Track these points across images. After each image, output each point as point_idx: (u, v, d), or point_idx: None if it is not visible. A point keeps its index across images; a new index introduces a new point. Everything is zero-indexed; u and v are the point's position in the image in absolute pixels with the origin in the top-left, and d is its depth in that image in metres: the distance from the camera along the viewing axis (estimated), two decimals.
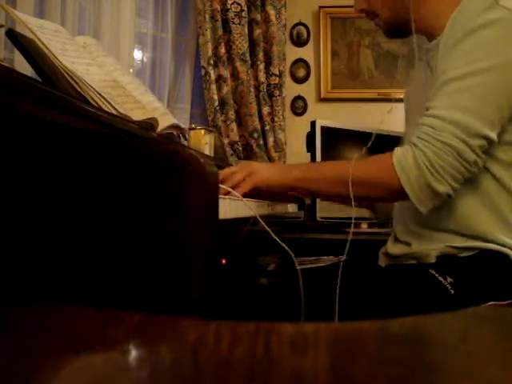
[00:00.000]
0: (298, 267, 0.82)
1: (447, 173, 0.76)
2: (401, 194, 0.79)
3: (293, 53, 2.39)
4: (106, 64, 1.03)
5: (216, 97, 2.11)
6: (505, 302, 0.76)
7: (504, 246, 0.80)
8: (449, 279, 0.79)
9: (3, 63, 0.59)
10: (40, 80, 0.77)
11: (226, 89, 2.12)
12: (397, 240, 0.97)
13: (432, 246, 0.86)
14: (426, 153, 0.76)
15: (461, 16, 0.81)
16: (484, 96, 0.76)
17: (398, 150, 0.80)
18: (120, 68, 1.07)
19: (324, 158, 1.77)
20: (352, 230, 0.88)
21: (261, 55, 2.18)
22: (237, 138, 2.14)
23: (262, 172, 0.89)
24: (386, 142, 0.99)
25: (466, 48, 0.78)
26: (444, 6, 0.88)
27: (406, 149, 0.79)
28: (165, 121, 1.06)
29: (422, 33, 0.96)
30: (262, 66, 2.18)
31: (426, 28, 0.93)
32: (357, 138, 1.87)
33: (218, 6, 2.11)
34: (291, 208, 1.76)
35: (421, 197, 0.77)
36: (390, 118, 1.11)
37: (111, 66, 1.04)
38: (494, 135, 0.76)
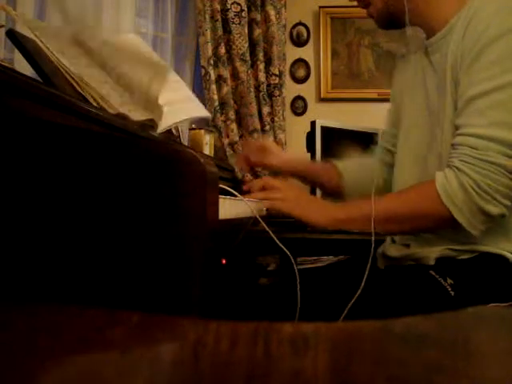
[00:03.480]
0: (296, 268, 0.82)
1: (498, 192, 0.73)
2: (451, 223, 0.76)
3: (293, 53, 2.39)
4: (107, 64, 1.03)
5: (216, 97, 2.11)
6: (505, 304, 0.76)
7: (503, 248, 0.80)
8: (449, 281, 0.79)
9: (3, 63, 0.59)
10: (40, 80, 0.77)
11: (225, 89, 2.12)
12: (394, 242, 0.96)
13: (431, 248, 0.85)
14: (472, 175, 0.73)
15: (477, 20, 0.77)
16: None
17: (439, 176, 0.77)
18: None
19: (324, 158, 1.77)
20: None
21: (261, 55, 2.18)
22: (237, 138, 2.14)
23: (303, 208, 0.87)
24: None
25: (492, 57, 0.75)
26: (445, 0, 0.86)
27: (447, 173, 0.76)
28: (170, 119, 1.06)
29: (419, 25, 0.92)
30: (262, 66, 2.18)
31: (423, 21, 0.89)
32: (357, 138, 1.88)
33: (217, 6, 2.11)
34: None
35: (473, 222, 0.75)
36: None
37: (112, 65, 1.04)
38: None
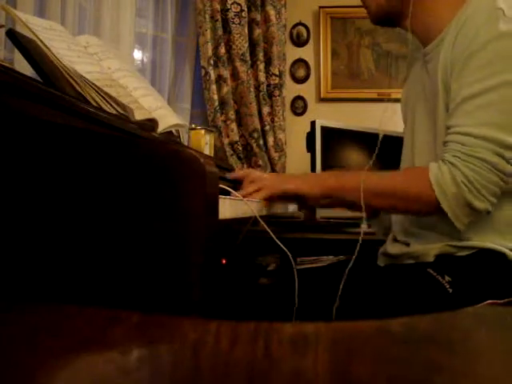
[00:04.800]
0: (295, 269, 0.82)
1: (486, 189, 0.75)
2: (437, 210, 0.78)
3: (293, 53, 2.39)
4: (108, 64, 1.04)
5: (216, 97, 2.11)
6: (502, 301, 0.76)
7: (502, 245, 0.81)
8: (447, 278, 0.79)
9: (3, 63, 0.59)
10: (40, 80, 0.77)
11: (225, 89, 2.12)
12: (396, 240, 0.97)
13: (430, 246, 0.86)
14: (463, 170, 0.75)
15: (467, 28, 0.79)
16: (510, 109, 0.76)
17: (433, 167, 0.79)
18: (122, 68, 1.07)
19: (324, 157, 1.77)
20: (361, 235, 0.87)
21: (261, 55, 2.18)
22: (237, 138, 2.14)
23: (293, 180, 0.90)
24: (389, 143, 1.00)
25: (481, 61, 0.77)
26: (443, 8, 0.87)
27: (441, 165, 0.78)
28: (165, 122, 1.06)
29: (415, 32, 0.94)
30: (262, 66, 2.18)
31: (421, 28, 0.91)
32: (357, 138, 1.88)
33: (218, 6, 2.11)
34: (291, 208, 1.75)
35: (459, 214, 0.77)
36: (392, 119, 1.10)
37: (113, 66, 1.04)
38: None
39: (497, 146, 0.75)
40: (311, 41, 2.40)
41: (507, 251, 0.80)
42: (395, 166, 1.12)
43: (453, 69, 0.81)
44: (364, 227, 0.89)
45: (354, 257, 0.84)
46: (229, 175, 0.96)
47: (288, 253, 0.80)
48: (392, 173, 0.89)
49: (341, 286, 0.82)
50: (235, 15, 2.13)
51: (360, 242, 0.85)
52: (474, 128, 0.76)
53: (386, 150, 0.97)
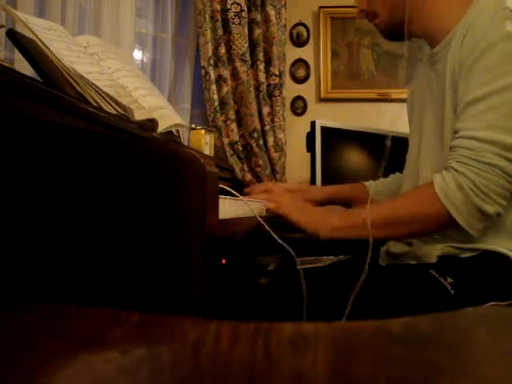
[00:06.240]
0: (300, 267, 0.82)
1: (494, 192, 0.74)
2: (451, 223, 0.77)
3: (293, 53, 2.39)
4: (108, 64, 1.04)
5: (216, 97, 2.10)
6: (505, 303, 0.76)
7: (505, 247, 0.80)
8: (449, 279, 0.79)
9: (3, 63, 0.59)
10: (40, 80, 0.77)
11: (225, 89, 2.12)
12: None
13: (433, 246, 0.85)
14: (469, 176, 0.74)
15: (475, 28, 0.78)
16: None
17: (437, 178, 0.78)
18: (122, 68, 1.07)
19: (324, 158, 1.77)
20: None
21: (261, 55, 2.17)
22: (237, 138, 2.14)
23: (300, 213, 0.89)
24: (392, 144, 1.00)
25: (488, 63, 0.76)
26: (446, 9, 0.87)
27: (445, 174, 0.77)
28: (166, 122, 1.06)
29: (421, 36, 0.94)
30: (262, 66, 2.18)
31: (426, 31, 0.91)
32: (357, 138, 1.88)
33: (218, 6, 2.11)
34: None
35: (471, 221, 0.76)
36: (395, 119, 1.10)
37: (113, 66, 1.04)
38: None
39: (503, 150, 0.74)
40: (311, 41, 2.40)
41: (511, 253, 0.79)
42: (398, 167, 1.12)
43: (461, 69, 0.80)
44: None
45: (368, 259, 0.83)
46: (248, 190, 0.96)
47: (291, 251, 0.80)
48: (398, 198, 0.88)
49: (358, 284, 0.81)
50: (235, 15, 2.13)
51: (371, 244, 0.84)
52: (481, 131, 0.75)
53: (389, 151, 0.97)
